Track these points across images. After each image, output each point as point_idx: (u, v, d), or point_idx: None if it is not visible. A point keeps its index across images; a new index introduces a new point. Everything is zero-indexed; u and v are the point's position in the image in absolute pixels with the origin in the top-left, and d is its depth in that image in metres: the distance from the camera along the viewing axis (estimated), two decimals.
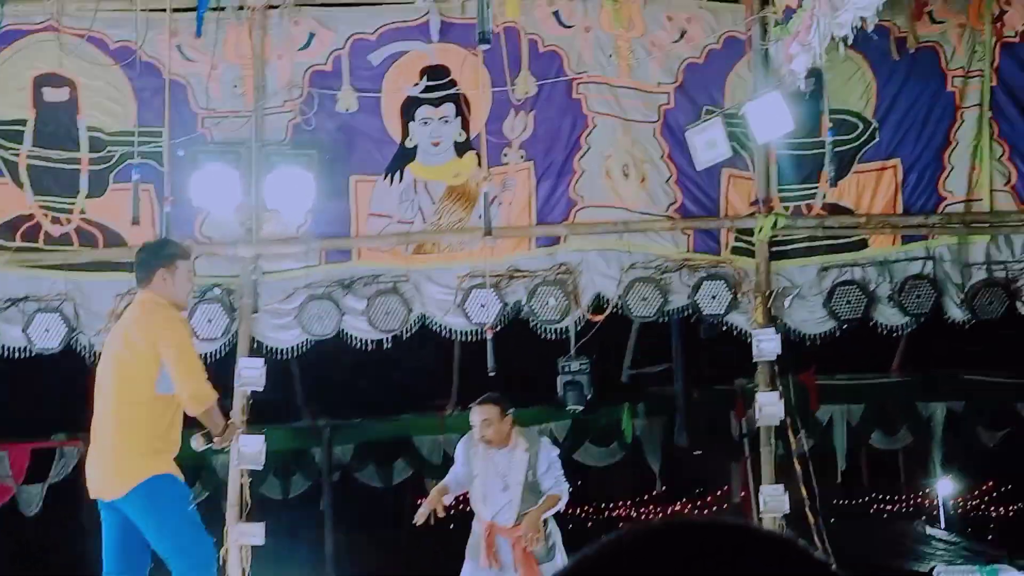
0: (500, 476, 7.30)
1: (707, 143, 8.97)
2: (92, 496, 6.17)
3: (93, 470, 6.18)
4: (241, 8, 8.95)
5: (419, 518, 7.24)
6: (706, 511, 18.05)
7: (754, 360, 9.16)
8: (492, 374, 9.16)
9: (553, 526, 7.43)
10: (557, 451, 7.63)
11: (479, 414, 7.33)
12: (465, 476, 7.47)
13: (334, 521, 15.46)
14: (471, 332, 9.29)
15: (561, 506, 7.41)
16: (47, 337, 8.96)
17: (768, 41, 8.82)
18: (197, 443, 6.12)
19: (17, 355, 9.12)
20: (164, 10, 8.72)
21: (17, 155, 8.99)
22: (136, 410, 6.03)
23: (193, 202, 8.86)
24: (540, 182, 9.28)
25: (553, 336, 9.39)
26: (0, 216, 9.06)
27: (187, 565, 5.99)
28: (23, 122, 9.01)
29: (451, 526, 19.97)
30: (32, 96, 8.99)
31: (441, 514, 7.24)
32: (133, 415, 5.96)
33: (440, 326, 9.31)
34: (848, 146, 9.19)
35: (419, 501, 18.19)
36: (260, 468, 9.08)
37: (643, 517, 19.15)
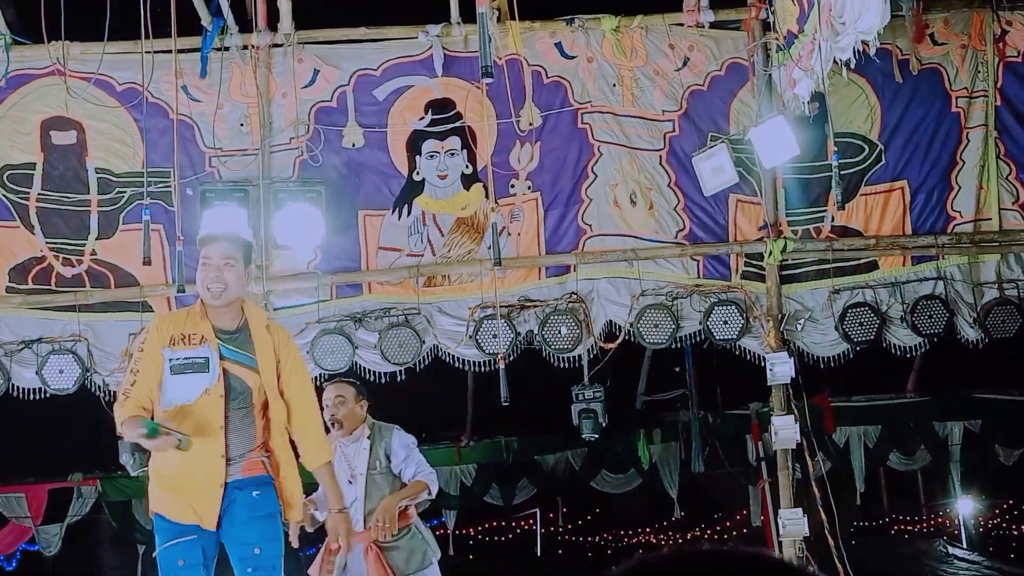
0: (348, 469, 6.77)
1: (714, 169, 8.98)
2: None
3: None
4: (245, 47, 9.00)
5: (293, 540, 6.46)
6: (725, 536, 17.97)
7: (768, 384, 9.14)
8: (506, 403, 9.16)
9: (428, 535, 6.94)
10: (413, 438, 7.05)
11: (332, 391, 6.91)
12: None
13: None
14: (484, 363, 9.30)
15: (429, 495, 6.86)
16: (61, 378, 9.00)
17: (771, 67, 8.84)
18: None
19: (32, 396, 9.16)
20: (169, 51, 8.75)
21: (27, 199, 9.04)
22: None
23: None
24: (548, 212, 9.30)
25: (566, 364, 9.38)
26: (12, 259, 9.11)
27: None
28: (32, 166, 9.06)
29: (470, 556, 19.94)
30: (40, 140, 9.05)
31: (310, 529, 6.59)
32: None
33: (453, 357, 9.33)
34: (854, 169, 9.19)
35: (438, 532, 18.17)
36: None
37: (662, 543, 19.07)
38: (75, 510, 14.42)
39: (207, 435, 5.29)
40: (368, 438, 6.85)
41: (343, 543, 5.67)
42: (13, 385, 9.04)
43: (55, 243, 9.11)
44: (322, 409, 6.48)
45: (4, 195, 9.02)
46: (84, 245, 9.12)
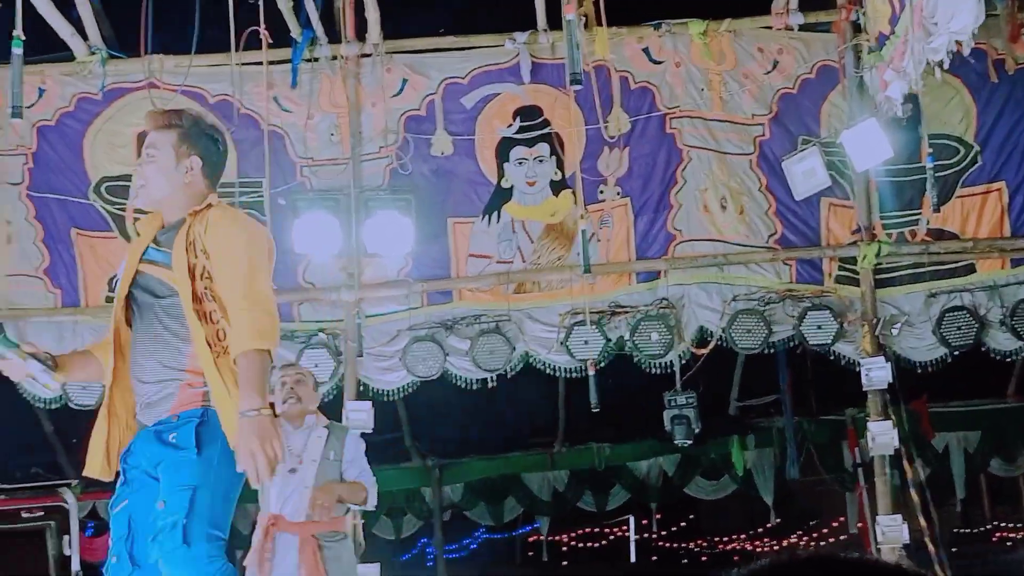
0: (292, 456, 6.27)
1: (805, 173, 8.89)
2: None
3: None
4: (334, 58, 9.09)
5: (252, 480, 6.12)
6: (822, 543, 17.74)
7: (864, 389, 9.01)
8: (596, 410, 9.14)
9: (354, 559, 6.69)
10: (364, 445, 6.76)
11: (293, 369, 6.78)
12: None
13: (446, 560, 15.52)
14: (575, 368, 9.29)
15: (368, 501, 6.59)
16: None
17: (862, 69, 8.73)
18: None
19: None
20: (260, 63, 8.88)
21: (124, 210, 9.20)
22: None
23: (295, 249, 9.00)
24: (638, 217, 9.27)
25: (657, 371, 9.35)
26: (110, 270, 9.26)
27: None
28: (128, 177, 9.19)
29: (564, 563, 19.92)
30: (136, 152, 9.19)
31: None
32: None
33: (544, 364, 9.33)
34: (950, 171, 9.03)
35: (531, 539, 18.09)
36: (372, 509, 9.14)
37: (757, 550, 18.88)
38: None
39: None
40: (325, 427, 6.59)
41: (270, 448, 3.90)
42: None
43: None
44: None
45: (102, 206, 9.19)
46: None
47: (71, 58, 8.98)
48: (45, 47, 8.74)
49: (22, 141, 9.13)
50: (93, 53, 8.93)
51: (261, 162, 9.03)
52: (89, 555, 15.01)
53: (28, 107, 8.81)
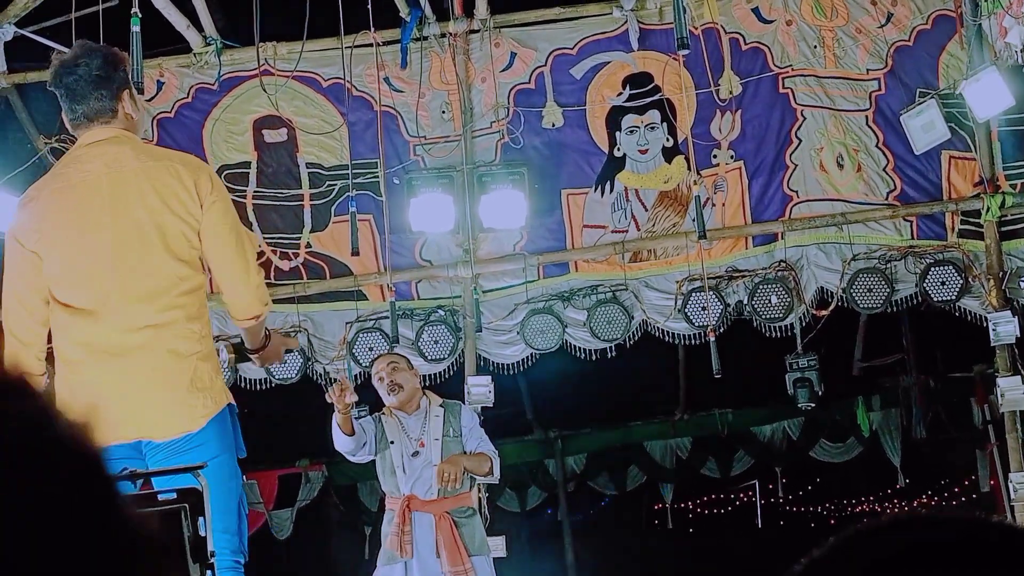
0: (411, 440, 6.58)
1: (924, 126, 8.72)
2: None
3: None
4: (443, 36, 9.13)
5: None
6: (953, 503, 17.47)
7: (992, 344, 8.85)
8: (718, 376, 9.10)
9: (479, 520, 6.75)
10: (478, 417, 6.99)
11: (383, 360, 6.83)
12: (368, 431, 6.57)
13: (572, 530, 15.60)
14: (694, 335, 9.26)
15: (491, 473, 6.66)
16: (285, 368, 9.31)
17: (980, 16, 8.51)
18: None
19: (259, 387, 9.49)
20: (371, 45, 8.96)
21: (244, 197, 9.36)
22: None
23: (412, 228, 9.09)
24: (752, 180, 9.19)
25: (778, 334, 9.28)
26: None
27: None
28: (247, 164, 9.39)
29: (690, 530, 19.88)
30: (253, 139, 9.36)
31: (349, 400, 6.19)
32: None
33: (662, 332, 9.31)
34: None
35: (656, 506, 18.08)
36: (496, 482, 9.24)
37: (886, 512, 18.61)
38: (304, 495, 14.92)
39: None
40: (441, 406, 6.74)
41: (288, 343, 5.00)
42: (240, 377, 9.37)
43: (272, 238, 9.42)
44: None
45: None
46: (299, 238, 9.42)
47: (188, 50, 9.13)
48: (162, 41, 8.91)
49: (145, 134, 9.32)
50: (208, 44, 9.07)
51: (375, 143, 9.13)
52: None
53: (148, 100, 9.04)
